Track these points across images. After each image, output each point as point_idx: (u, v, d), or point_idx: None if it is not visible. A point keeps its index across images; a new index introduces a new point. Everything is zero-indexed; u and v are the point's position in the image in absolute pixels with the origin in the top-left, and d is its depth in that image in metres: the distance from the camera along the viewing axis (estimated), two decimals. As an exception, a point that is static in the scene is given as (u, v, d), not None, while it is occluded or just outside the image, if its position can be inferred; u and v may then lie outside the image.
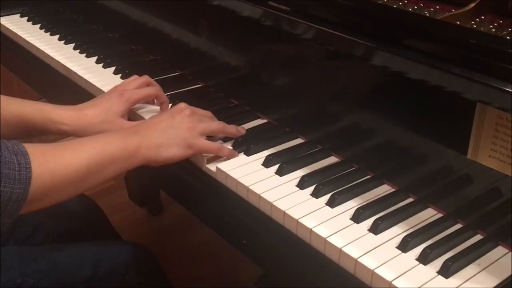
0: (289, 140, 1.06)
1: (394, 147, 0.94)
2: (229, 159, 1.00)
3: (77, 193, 0.90)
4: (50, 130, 1.04)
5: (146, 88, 1.13)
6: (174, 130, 0.97)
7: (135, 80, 1.14)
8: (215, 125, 1.03)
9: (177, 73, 1.33)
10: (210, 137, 1.03)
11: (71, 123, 1.03)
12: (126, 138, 0.94)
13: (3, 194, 0.78)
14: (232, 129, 1.05)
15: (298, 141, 1.07)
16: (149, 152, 0.94)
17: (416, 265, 0.79)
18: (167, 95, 1.17)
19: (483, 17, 0.95)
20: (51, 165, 0.84)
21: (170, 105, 1.15)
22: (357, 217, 0.86)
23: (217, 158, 1.01)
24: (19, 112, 1.02)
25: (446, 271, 0.77)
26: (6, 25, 1.58)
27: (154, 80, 1.19)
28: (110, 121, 1.05)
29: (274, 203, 0.89)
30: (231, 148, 1.03)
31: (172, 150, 0.96)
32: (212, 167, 0.99)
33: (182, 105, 1.02)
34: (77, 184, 0.88)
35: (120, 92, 1.09)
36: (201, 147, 0.98)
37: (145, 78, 1.15)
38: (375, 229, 0.84)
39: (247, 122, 1.12)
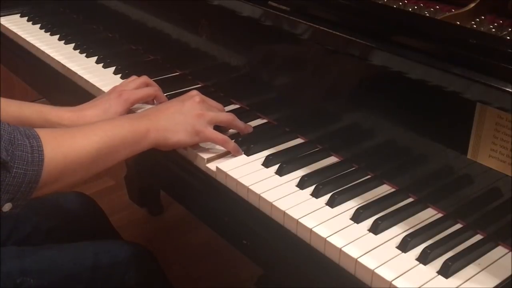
0: (289, 140, 1.06)
1: (394, 147, 0.94)
2: (234, 156, 1.00)
3: (88, 176, 0.92)
4: None
5: (145, 89, 1.13)
6: (182, 115, 0.99)
7: (134, 81, 1.14)
8: (224, 115, 1.04)
9: (177, 73, 1.33)
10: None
11: (70, 124, 1.03)
12: (135, 122, 0.96)
13: (16, 175, 0.79)
14: (240, 124, 1.06)
15: (298, 141, 1.07)
16: (157, 135, 0.96)
17: (416, 265, 0.79)
18: (167, 95, 1.17)
19: (483, 17, 0.96)
20: (64, 148, 0.86)
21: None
22: (357, 217, 0.86)
23: (217, 158, 1.01)
24: (18, 114, 1.02)
25: (446, 271, 0.77)
26: (6, 25, 1.58)
27: (154, 80, 1.19)
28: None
29: (274, 203, 0.89)
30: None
31: (179, 135, 0.97)
32: (212, 167, 0.99)
33: (193, 92, 1.04)
34: (88, 167, 0.90)
35: (119, 93, 1.09)
36: (208, 136, 0.99)
37: (144, 78, 1.15)
38: (375, 229, 0.84)
39: (247, 122, 1.12)
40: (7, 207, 0.82)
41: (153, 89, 1.14)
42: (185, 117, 0.99)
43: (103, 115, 1.06)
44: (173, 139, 0.97)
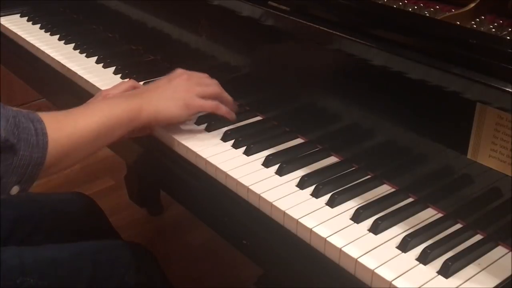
0: (289, 140, 1.06)
1: (394, 147, 0.94)
2: (229, 120, 1.04)
3: (89, 155, 0.96)
4: None
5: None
6: (171, 92, 1.03)
7: (121, 84, 1.14)
8: (211, 89, 1.07)
9: (177, 73, 1.33)
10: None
11: None
12: (128, 101, 1.00)
13: (23, 158, 0.83)
14: (227, 97, 1.08)
15: (298, 141, 1.07)
16: (149, 112, 1.00)
17: (416, 265, 0.79)
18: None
19: (483, 17, 0.96)
20: (67, 129, 0.90)
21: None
22: (357, 217, 0.86)
23: (217, 157, 1.00)
24: None
25: (446, 271, 0.77)
26: (6, 25, 1.58)
27: (154, 80, 1.18)
28: None
29: (274, 203, 0.89)
30: (231, 147, 1.03)
31: (170, 109, 1.01)
32: (211, 166, 0.99)
33: (179, 71, 1.08)
34: (90, 146, 0.95)
35: (104, 97, 1.09)
36: (197, 105, 1.04)
37: (131, 82, 1.15)
38: (375, 229, 0.84)
39: (247, 122, 1.12)
40: (14, 190, 0.84)
41: None
42: (173, 93, 1.03)
43: None
44: (164, 114, 1.01)
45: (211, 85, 1.08)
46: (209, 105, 1.04)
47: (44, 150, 0.85)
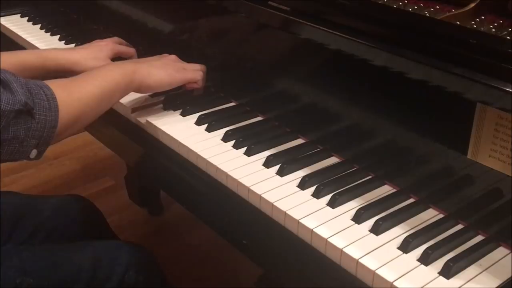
0: (290, 141, 1.06)
1: (394, 148, 0.94)
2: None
3: (95, 118, 1.01)
4: (48, 67, 1.15)
5: (127, 47, 1.28)
6: (161, 63, 1.12)
7: (111, 39, 1.30)
8: (197, 66, 1.18)
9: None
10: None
11: (67, 58, 1.17)
12: (123, 66, 1.09)
13: (40, 121, 0.88)
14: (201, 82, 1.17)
15: (299, 141, 1.07)
16: (142, 74, 1.07)
17: (417, 266, 0.79)
18: (168, 95, 1.17)
19: (483, 17, 0.96)
20: (76, 94, 0.96)
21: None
22: (358, 217, 0.86)
23: (217, 158, 1.00)
24: (16, 60, 1.11)
25: (447, 272, 0.77)
26: (6, 25, 1.58)
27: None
28: (101, 59, 1.19)
29: (275, 203, 0.89)
30: (232, 147, 1.03)
31: (160, 74, 1.09)
32: (212, 167, 0.99)
33: (166, 54, 1.18)
34: (96, 110, 1.00)
35: (106, 42, 1.25)
36: (182, 76, 1.13)
37: (117, 38, 1.31)
38: (376, 229, 0.84)
39: (248, 122, 1.12)
40: (33, 153, 0.90)
41: (133, 49, 1.28)
42: (163, 64, 1.12)
43: (95, 53, 1.20)
44: (154, 77, 1.08)
45: (195, 71, 1.16)
46: (190, 75, 1.13)
47: (56, 113, 0.90)
